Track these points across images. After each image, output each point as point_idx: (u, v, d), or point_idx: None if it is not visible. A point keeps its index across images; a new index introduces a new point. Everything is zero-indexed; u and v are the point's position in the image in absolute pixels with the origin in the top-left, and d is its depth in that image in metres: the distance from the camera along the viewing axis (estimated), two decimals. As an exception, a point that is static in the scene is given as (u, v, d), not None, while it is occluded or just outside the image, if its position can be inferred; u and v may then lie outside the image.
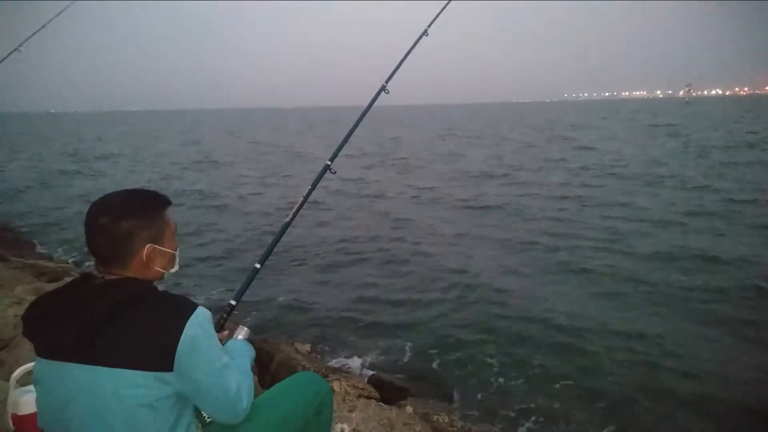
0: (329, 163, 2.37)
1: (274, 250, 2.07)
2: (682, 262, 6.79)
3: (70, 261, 7.45)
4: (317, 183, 2.29)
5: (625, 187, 12.64)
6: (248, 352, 1.57)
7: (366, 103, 2.84)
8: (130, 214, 1.25)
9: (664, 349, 4.56)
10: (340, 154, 2.45)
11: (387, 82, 2.82)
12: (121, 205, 1.27)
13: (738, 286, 5.88)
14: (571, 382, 4.11)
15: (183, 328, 1.18)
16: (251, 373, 1.48)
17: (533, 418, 3.72)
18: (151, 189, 1.39)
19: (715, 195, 11.24)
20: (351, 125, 2.65)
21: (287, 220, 2.12)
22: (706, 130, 30.81)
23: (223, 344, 1.58)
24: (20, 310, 1.14)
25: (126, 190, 1.33)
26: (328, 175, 2.38)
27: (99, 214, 1.24)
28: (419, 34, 3.17)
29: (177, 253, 1.40)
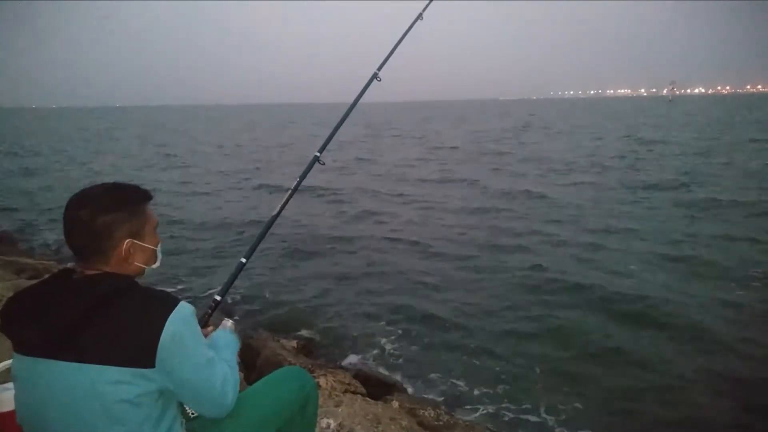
0: (318, 154, 2.30)
1: (261, 244, 2.04)
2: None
3: (50, 258, 7.32)
4: (306, 175, 2.23)
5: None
6: (233, 343, 1.55)
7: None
8: (108, 208, 1.22)
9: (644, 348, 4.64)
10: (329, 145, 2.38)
11: (379, 69, 2.70)
12: (99, 199, 1.23)
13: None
14: (556, 376, 4.17)
15: (164, 324, 1.16)
16: (237, 367, 1.47)
17: (519, 411, 3.76)
18: (132, 183, 1.35)
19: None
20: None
21: (274, 213, 2.07)
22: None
23: (207, 338, 1.56)
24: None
25: (105, 184, 1.29)
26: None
27: (77, 209, 1.21)
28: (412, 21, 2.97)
29: (159, 248, 1.36)
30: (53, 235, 8.93)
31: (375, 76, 2.68)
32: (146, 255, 1.32)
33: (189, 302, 1.26)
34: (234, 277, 1.90)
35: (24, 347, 1.17)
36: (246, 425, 1.50)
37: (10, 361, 1.35)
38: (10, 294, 1.24)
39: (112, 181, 1.33)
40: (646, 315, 5.15)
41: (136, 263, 1.29)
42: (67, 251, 7.67)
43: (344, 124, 2.49)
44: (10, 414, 1.52)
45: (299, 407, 1.67)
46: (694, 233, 8.05)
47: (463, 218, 9.75)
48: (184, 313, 1.21)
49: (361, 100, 2.64)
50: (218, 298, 1.82)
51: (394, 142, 28.95)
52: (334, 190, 12.99)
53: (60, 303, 1.15)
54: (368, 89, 2.68)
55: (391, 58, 2.80)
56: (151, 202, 1.35)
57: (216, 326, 1.67)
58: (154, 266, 1.36)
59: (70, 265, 1.28)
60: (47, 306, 1.15)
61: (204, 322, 1.68)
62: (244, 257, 1.95)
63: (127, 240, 1.25)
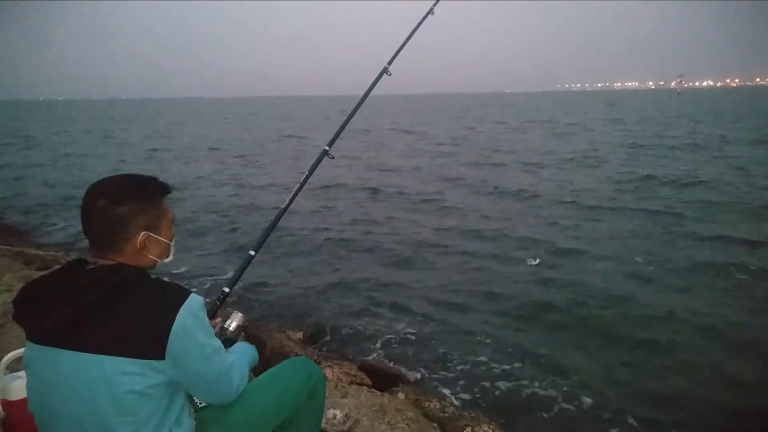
0: (327, 148, 2.30)
1: (269, 237, 2.05)
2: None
3: (59, 249, 7.38)
4: (315, 169, 2.23)
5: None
6: (249, 354, 1.56)
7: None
8: (126, 199, 1.23)
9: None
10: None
11: (389, 63, 2.68)
12: (118, 189, 1.24)
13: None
14: (562, 368, 4.15)
15: (175, 316, 1.17)
16: (247, 360, 1.48)
17: (523, 403, 3.76)
18: (152, 175, 1.36)
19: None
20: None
21: (283, 206, 2.08)
22: None
23: (216, 332, 1.57)
24: (9, 298, 1.12)
25: (125, 174, 1.31)
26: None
27: (95, 198, 1.22)
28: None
29: (173, 243, 1.38)
30: (62, 226, 8.98)
31: (385, 70, 2.67)
32: (161, 248, 1.33)
33: (197, 293, 1.27)
34: (242, 269, 1.91)
35: (36, 336, 1.18)
36: (253, 414, 1.51)
37: (21, 350, 1.36)
38: (20, 284, 1.26)
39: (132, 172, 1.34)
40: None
41: (149, 256, 1.29)
42: (75, 242, 7.77)
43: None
44: (22, 402, 1.54)
45: (306, 397, 1.68)
46: None
47: (468, 215, 9.71)
48: (194, 304, 1.22)
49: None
50: (226, 290, 1.83)
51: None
52: (342, 185, 12.98)
53: (72, 293, 1.16)
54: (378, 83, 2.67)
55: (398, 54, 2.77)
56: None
57: (224, 318, 1.69)
58: (166, 260, 1.37)
59: (84, 255, 1.28)
60: (60, 295, 1.16)
61: (212, 314, 1.69)
62: (253, 250, 1.96)
63: (143, 232, 1.25)
